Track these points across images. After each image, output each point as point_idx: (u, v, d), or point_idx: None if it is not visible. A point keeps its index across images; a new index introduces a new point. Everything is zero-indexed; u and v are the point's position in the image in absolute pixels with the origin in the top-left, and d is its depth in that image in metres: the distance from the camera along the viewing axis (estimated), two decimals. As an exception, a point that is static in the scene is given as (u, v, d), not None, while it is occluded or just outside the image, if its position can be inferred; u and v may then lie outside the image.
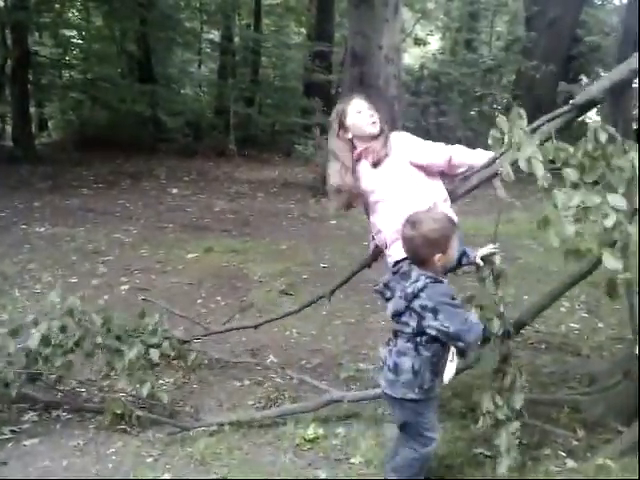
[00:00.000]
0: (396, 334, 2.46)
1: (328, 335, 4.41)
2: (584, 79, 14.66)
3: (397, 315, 2.42)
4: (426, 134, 11.95)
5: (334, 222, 7.97)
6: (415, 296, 2.33)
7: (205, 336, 3.96)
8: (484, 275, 2.65)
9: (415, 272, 2.37)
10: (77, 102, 15.01)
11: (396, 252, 2.84)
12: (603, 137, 2.23)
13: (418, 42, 16.44)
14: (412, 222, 2.38)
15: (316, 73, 15.79)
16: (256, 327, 3.94)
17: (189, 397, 3.53)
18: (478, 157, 2.82)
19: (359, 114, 2.89)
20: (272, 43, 17.31)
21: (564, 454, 2.88)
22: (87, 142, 13.33)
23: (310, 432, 3.10)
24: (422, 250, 2.36)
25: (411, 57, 18.04)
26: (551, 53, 11.34)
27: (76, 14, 15.73)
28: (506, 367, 2.67)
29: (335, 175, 2.94)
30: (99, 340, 3.28)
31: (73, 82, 15.20)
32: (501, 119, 2.53)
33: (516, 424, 2.63)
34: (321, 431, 3.11)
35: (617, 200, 1.99)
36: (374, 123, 2.87)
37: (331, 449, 3.00)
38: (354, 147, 2.94)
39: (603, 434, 3.04)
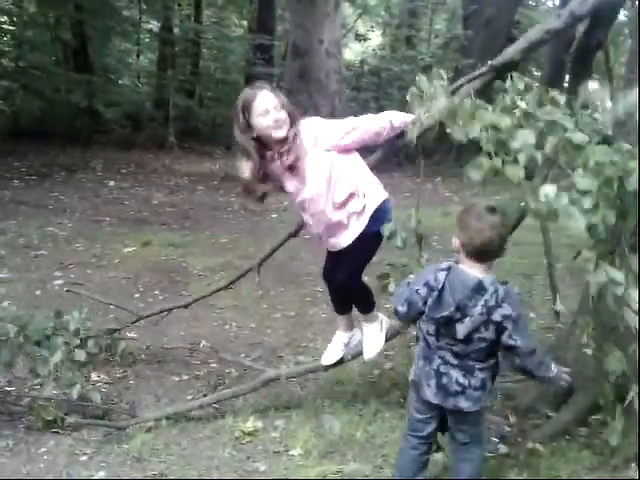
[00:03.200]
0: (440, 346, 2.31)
1: (268, 328, 4.40)
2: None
3: (473, 333, 2.23)
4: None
5: (275, 215, 7.96)
6: (498, 306, 2.19)
7: (136, 322, 3.86)
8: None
9: (488, 281, 2.20)
10: (8, 91, 14.41)
11: (334, 244, 2.87)
12: (520, 85, 2.31)
13: (359, 38, 16.55)
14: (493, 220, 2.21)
15: (257, 66, 15.68)
16: (186, 306, 3.86)
17: (125, 393, 3.46)
18: (392, 117, 2.76)
19: (264, 116, 2.64)
20: (213, 35, 17.07)
21: (497, 439, 2.96)
22: (19, 132, 12.81)
23: (249, 425, 3.09)
24: (499, 249, 2.24)
25: (352, 52, 18.16)
26: (487, 52, 11.53)
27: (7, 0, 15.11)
28: None
29: (247, 172, 2.75)
30: (16, 350, 3.14)
31: (4, 70, 14.57)
32: (421, 78, 2.56)
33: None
34: (260, 424, 3.11)
35: (526, 132, 2.12)
36: (279, 127, 2.65)
37: (270, 442, 3.00)
38: (262, 144, 2.73)
39: (534, 420, 3.15)
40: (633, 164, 2.00)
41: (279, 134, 2.65)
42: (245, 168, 2.74)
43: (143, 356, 3.85)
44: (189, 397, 3.44)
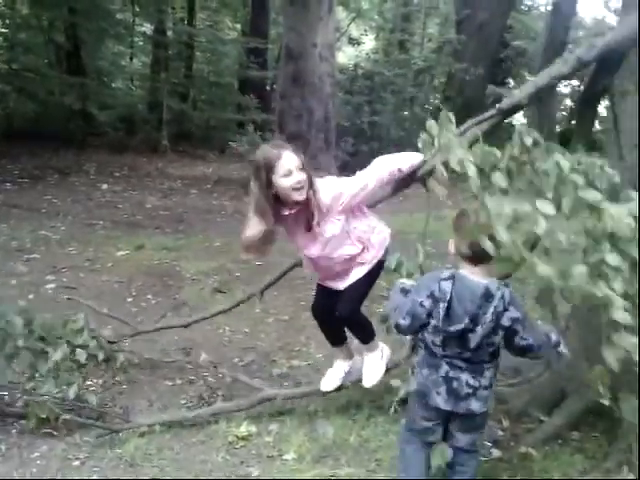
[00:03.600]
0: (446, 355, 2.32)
1: (261, 333, 4.40)
2: (511, 82, 15.19)
3: (483, 339, 2.24)
4: (360, 133, 12.09)
5: (269, 219, 7.95)
6: (506, 310, 2.20)
7: (133, 336, 3.86)
8: None
9: (493, 287, 2.20)
10: (1, 93, 14.36)
11: (336, 286, 2.89)
12: (529, 141, 2.23)
13: (352, 42, 16.59)
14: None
15: (251, 69, 15.70)
16: (187, 326, 3.88)
17: (119, 398, 3.45)
18: (406, 161, 2.73)
19: (287, 177, 2.58)
20: (207, 38, 17.06)
21: (490, 443, 2.97)
22: (12, 135, 12.77)
23: (242, 430, 3.09)
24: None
25: (346, 56, 18.21)
26: (480, 56, 11.69)
27: (0, 2, 15.05)
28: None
29: (255, 230, 2.66)
30: (20, 343, 3.15)
31: (-3, 72, 14.53)
32: (431, 123, 2.57)
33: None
34: (254, 428, 3.11)
35: (546, 206, 1.94)
36: (301, 189, 2.60)
37: (264, 446, 3.00)
38: (280, 202, 2.67)
39: (527, 424, 3.17)
40: None
41: (300, 197, 2.61)
42: (254, 225, 2.66)
43: (136, 361, 3.84)
44: (182, 402, 3.44)
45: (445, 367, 2.31)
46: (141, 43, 17.66)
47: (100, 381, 3.59)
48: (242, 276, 5.53)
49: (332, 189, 2.68)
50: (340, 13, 17.88)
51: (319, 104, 9.99)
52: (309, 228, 2.68)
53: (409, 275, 2.78)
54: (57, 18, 13.95)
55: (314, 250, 2.77)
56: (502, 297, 2.19)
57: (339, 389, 3.18)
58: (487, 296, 2.19)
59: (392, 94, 12.75)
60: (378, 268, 2.87)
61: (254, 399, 3.26)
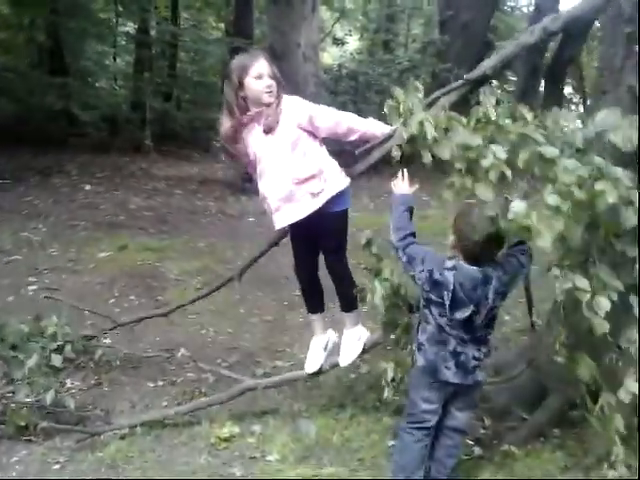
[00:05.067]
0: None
1: (245, 333, 4.39)
2: (494, 82, 15.26)
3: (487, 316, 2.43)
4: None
5: (253, 219, 7.92)
6: (503, 286, 2.41)
7: (113, 329, 3.82)
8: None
9: (488, 269, 2.37)
10: (-19, 93, 14.19)
11: (280, 220, 2.91)
12: (492, 100, 2.35)
13: (337, 42, 16.60)
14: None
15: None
16: (166, 315, 3.84)
17: (100, 400, 3.43)
18: (371, 125, 2.87)
19: (259, 80, 2.78)
20: (190, 37, 16.96)
21: (472, 442, 2.98)
22: (-8, 136, 12.63)
23: (225, 431, 3.08)
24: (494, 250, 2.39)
25: (330, 56, 18.22)
26: (464, 56, 11.70)
27: (-21, 1, 14.87)
28: (407, 337, 2.76)
29: (226, 125, 2.89)
30: None
31: (-23, 72, 14.35)
32: (397, 90, 2.60)
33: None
34: (237, 429, 3.10)
35: (498, 148, 2.16)
36: (271, 92, 2.79)
37: (247, 447, 3.00)
38: (247, 106, 2.85)
39: (509, 422, 3.18)
40: (601, 186, 2.04)
41: (267, 99, 2.79)
42: (225, 122, 2.89)
43: (118, 362, 3.81)
44: (165, 403, 3.42)
45: (453, 342, 2.44)
46: (124, 42, 17.52)
47: (81, 384, 3.56)
48: (226, 276, 5.47)
49: (295, 103, 2.87)
50: (324, 13, 17.86)
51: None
52: (268, 131, 2.82)
53: (380, 249, 2.81)
54: (38, 17, 13.80)
55: (270, 159, 2.84)
56: (499, 278, 2.36)
57: (319, 372, 3.17)
58: (486, 281, 2.36)
59: (376, 94, 12.75)
60: (343, 217, 2.95)
61: (234, 390, 3.24)
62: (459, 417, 2.56)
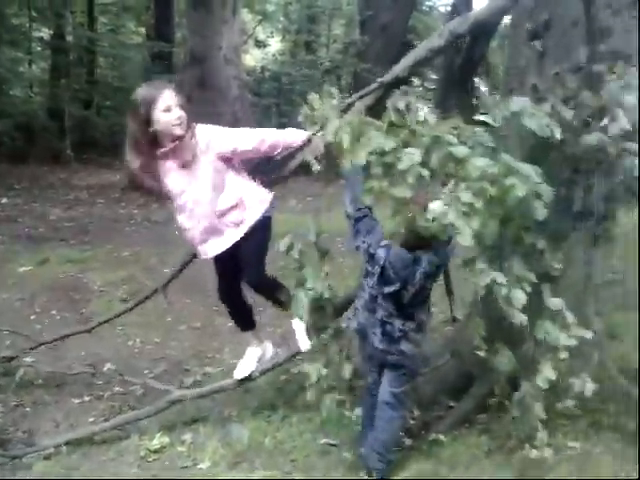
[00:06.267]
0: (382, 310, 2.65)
1: (173, 341, 4.31)
2: (415, 81, 15.60)
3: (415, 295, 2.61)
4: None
5: (180, 226, 7.80)
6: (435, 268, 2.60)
7: (34, 348, 3.68)
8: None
9: (420, 252, 2.53)
10: None
11: (206, 251, 2.89)
12: (401, 105, 2.38)
13: (259, 44, 16.53)
14: None
15: (156, 74, 15.32)
16: (89, 331, 3.72)
17: (22, 421, 3.30)
18: (291, 135, 2.85)
19: (167, 112, 2.67)
20: (108, 43, 16.52)
21: (402, 433, 3.03)
22: None
23: (155, 442, 3.02)
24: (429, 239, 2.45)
25: (253, 59, 18.14)
26: (384, 56, 11.87)
27: None
28: (336, 340, 2.78)
29: (136, 164, 2.76)
30: None
31: None
32: (312, 96, 2.62)
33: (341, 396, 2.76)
34: (167, 440, 3.05)
35: (412, 150, 2.18)
36: (181, 124, 2.69)
37: (178, 457, 2.95)
38: (157, 142, 2.73)
39: (436, 411, 3.26)
40: (511, 181, 2.11)
41: (179, 131, 2.69)
42: (134, 161, 2.76)
43: (41, 380, 3.67)
44: (92, 419, 3.32)
45: (381, 313, 2.64)
46: (39, 49, 16.89)
47: (1, 407, 3.40)
48: (152, 284, 5.35)
49: (209, 132, 2.79)
50: (246, 15, 17.78)
51: (226, 107, 9.91)
52: (185, 165, 2.74)
53: (301, 254, 2.79)
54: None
55: (189, 193, 2.77)
56: (429, 261, 2.53)
57: (248, 378, 3.16)
58: (415, 262, 2.55)
59: (300, 95, 12.81)
60: (264, 229, 2.90)
61: (162, 403, 3.18)
62: (387, 390, 2.74)
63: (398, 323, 2.63)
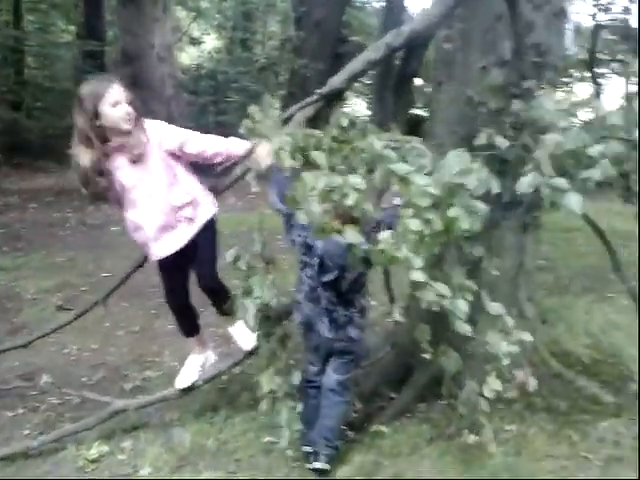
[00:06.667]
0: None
1: (111, 347, 4.21)
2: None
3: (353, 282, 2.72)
4: (206, 133, 11.91)
5: (116, 228, 7.59)
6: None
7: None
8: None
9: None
10: None
11: (159, 250, 2.83)
12: (344, 122, 2.43)
13: (194, 41, 16.30)
14: None
15: (88, 73, 14.90)
16: (25, 346, 3.59)
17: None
18: (234, 145, 2.84)
19: (116, 107, 2.62)
20: (37, 42, 15.96)
21: (345, 427, 3.05)
22: None
23: (93, 452, 2.94)
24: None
25: (188, 57, 17.88)
26: (320, 52, 11.94)
27: None
28: (283, 347, 2.80)
29: (87, 161, 2.66)
30: None
31: None
32: (253, 109, 2.62)
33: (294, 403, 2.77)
34: (106, 448, 2.97)
35: (357, 181, 2.12)
36: (129, 119, 2.64)
37: (118, 465, 2.88)
38: (106, 137, 2.68)
39: (378, 403, 3.30)
40: (453, 212, 2.10)
41: (127, 126, 2.65)
42: (84, 157, 2.66)
43: (-30, 395, 3.52)
44: (27, 432, 3.20)
45: (324, 302, 2.73)
46: (-39, 50, 16.18)
47: None
48: (88, 290, 5.24)
49: (160, 128, 2.78)
50: (180, 13, 17.51)
51: (161, 106, 9.74)
52: (136, 160, 2.70)
53: (249, 267, 2.78)
54: None
55: (141, 188, 2.73)
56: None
57: (191, 388, 3.12)
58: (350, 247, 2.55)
59: (237, 93, 12.72)
60: (214, 229, 2.94)
61: (102, 414, 3.10)
62: (333, 378, 2.81)
63: (342, 310, 2.73)
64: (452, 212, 2.06)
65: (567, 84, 12.58)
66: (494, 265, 2.67)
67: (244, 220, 6.44)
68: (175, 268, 2.95)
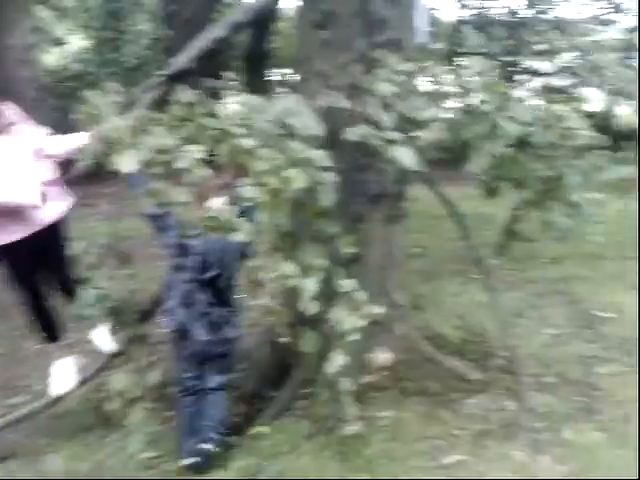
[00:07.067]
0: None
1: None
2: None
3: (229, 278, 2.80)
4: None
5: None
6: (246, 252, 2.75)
7: None
8: None
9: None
10: None
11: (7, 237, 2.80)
12: (185, 99, 2.43)
13: (58, 42, 15.45)
14: None
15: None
16: None
17: None
18: (74, 140, 2.85)
19: None
20: None
21: (228, 431, 3.00)
22: None
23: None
24: None
25: (54, 58, 16.96)
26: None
27: None
28: (141, 347, 2.76)
29: None
30: None
31: None
32: (91, 94, 2.53)
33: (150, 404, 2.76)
34: (-32, 485, 2.77)
35: (191, 148, 2.23)
36: None
37: (-15, 500, 2.70)
38: None
39: (259, 404, 3.28)
40: (289, 172, 2.16)
41: None
42: None
43: None
44: None
45: (200, 304, 2.71)
46: None
47: None
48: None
49: (16, 115, 2.94)
50: (41, 12, 16.54)
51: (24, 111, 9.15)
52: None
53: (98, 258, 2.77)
54: None
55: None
56: (237, 245, 2.59)
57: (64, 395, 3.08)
58: (227, 247, 2.64)
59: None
60: (66, 228, 3.00)
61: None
62: (216, 379, 2.84)
63: (218, 311, 2.74)
64: (287, 172, 2.14)
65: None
66: (349, 243, 2.63)
67: (116, 227, 6.19)
68: (28, 265, 2.92)
